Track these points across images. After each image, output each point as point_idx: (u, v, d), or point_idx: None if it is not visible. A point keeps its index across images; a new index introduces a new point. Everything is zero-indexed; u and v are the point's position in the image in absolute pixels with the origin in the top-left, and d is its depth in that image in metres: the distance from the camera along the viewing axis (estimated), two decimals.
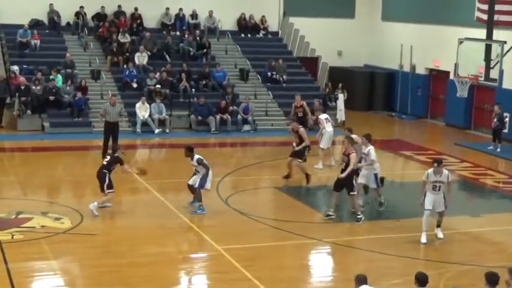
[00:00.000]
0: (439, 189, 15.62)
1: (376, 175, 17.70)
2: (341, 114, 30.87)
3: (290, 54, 34.95)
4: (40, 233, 15.57)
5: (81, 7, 32.57)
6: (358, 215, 17.00)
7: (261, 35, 35.23)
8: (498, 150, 25.93)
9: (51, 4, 32.37)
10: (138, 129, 27.59)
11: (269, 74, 32.13)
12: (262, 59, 33.04)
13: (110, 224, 16.57)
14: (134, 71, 30.05)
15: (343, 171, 16.81)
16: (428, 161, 24.51)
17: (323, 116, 23.25)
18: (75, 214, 16.90)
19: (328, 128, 22.74)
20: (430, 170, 15.65)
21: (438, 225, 16.05)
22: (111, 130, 23.04)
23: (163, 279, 13.50)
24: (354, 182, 16.90)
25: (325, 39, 35.19)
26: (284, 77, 32.20)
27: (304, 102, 25.89)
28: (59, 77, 28.89)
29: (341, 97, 31.11)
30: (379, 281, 13.12)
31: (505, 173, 23.51)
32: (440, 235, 16.00)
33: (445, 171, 15.73)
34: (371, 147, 17.62)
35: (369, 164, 17.53)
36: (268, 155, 23.93)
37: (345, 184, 16.87)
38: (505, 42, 24.87)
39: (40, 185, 20.63)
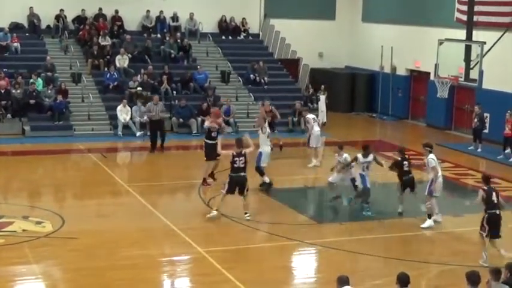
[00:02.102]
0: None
1: (352, 180, 18.55)
2: (322, 116, 30.94)
3: (271, 56, 34.99)
4: (21, 237, 15.48)
5: (61, 10, 32.38)
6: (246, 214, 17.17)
7: (241, 37, 35.22)
8: (479, 150, 26.09)
9: (31, 7, 32.17)
10: (120, 132, 27.51)
11: (251, 76, 32.13)
12: (243, 61, 33.04)
13: (91, 227, 16.47)
14: (115, 74, 29.96)
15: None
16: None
17: (311, 116, 23.49)
18: (56, 218, 16.81)
19: (316, 127, 22.95)
20: None
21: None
22: (156, 127, 25.09)
23: (145, 282, 13.47)
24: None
25: (306, 41, 35.26)
26: (265, 78, 32.23)
27: (273, 107, 25.85)
28: (39, 80, 28.73)
29: (322, 99, 31.17)
30: (362, 282, 13.18)
31: (486, 172, 23.60)
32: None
33: (429, 157, 17.05)
34: (344, 155, 18.55)
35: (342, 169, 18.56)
36: (250, 157, 23.88)
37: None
38: (485, 42, 25.00)
39: (21, 189, 20.51)
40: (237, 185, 17.10)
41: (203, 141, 20.51)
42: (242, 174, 17.13)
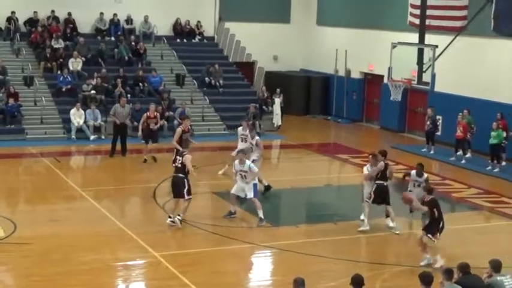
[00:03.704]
0: None
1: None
2: (277, 119, 31.08)
3: (226, 59, 34.97)
4: None
5: (13, 12, 31.94)
6: (178, 216, 16.76)
7: (196, 40, 35.16)
8: (431, 152, 26.41)
9: None
10: (73, 136, 27.23)
11: (206, 79, 32.06)
12: (198, 64, 32.94)
13: (44, 232, 16.26)
14: (68, 77, 29.64)
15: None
16: (364, 163, 24.84)
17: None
18: (8, 223, 16.56)
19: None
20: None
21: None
22: (120, 131, 24.45)
23: (100, 287, 13.35)
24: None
25: (261, 44, 35.33)
26: (220, 81, 32.19)
27: (158, 114, 25.36)
28: None
29: (277, 102, 31.27)
30: (317, 284, 13.22)
31: (438, 174, 23.89)
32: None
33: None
34: (247, 162, 17.48)
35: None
36: (205, 160, 23.86)
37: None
38: (437, 46, 25.33)
39: None
40: (173, 186, 16.96)
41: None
42: (180, 175, 16.80)
